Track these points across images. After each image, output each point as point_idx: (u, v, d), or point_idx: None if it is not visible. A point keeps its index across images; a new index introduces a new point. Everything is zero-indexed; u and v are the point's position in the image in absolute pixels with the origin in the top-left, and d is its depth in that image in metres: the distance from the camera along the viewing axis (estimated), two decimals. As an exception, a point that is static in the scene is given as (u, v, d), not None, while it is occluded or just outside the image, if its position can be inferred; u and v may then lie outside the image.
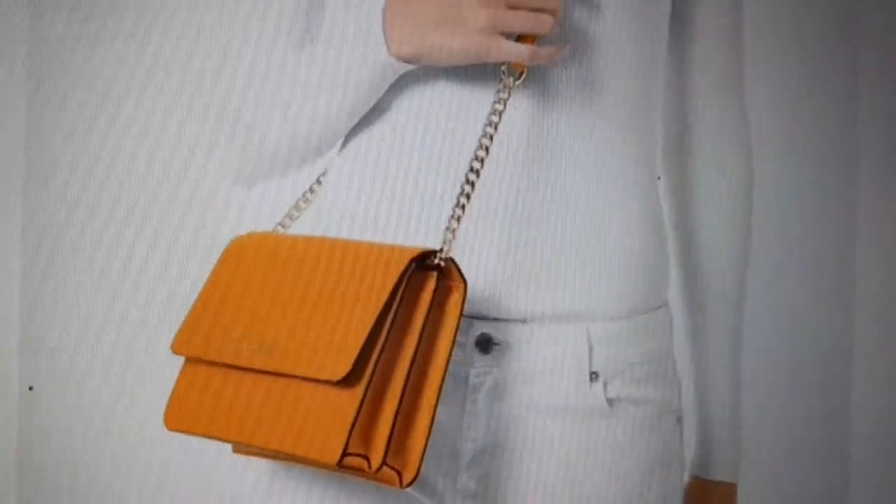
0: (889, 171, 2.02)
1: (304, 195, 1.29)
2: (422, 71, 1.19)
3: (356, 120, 1.22)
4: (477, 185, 1.15)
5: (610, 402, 1.21)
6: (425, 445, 1.09)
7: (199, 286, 1.18)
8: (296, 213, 1.29)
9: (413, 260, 1.10)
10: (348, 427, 1.06)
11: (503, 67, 1.16)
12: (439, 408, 1.10)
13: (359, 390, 1.07)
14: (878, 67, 2.02)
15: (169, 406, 1.17)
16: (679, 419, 1.28)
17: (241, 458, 1.22)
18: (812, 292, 2.05)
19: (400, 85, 1.21)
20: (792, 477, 2.05)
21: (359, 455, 1.08)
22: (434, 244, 1.15)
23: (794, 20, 2.02)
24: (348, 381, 1.07)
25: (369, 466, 1.08)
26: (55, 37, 2.13)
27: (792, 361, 2.04)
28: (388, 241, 1.18)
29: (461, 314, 1.11)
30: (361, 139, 1.23)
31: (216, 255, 1.20)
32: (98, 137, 2.14)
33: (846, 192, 2.04)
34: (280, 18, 1.23)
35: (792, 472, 2.05)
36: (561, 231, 1.19)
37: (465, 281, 1.11)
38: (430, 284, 1.11)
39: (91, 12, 2.13)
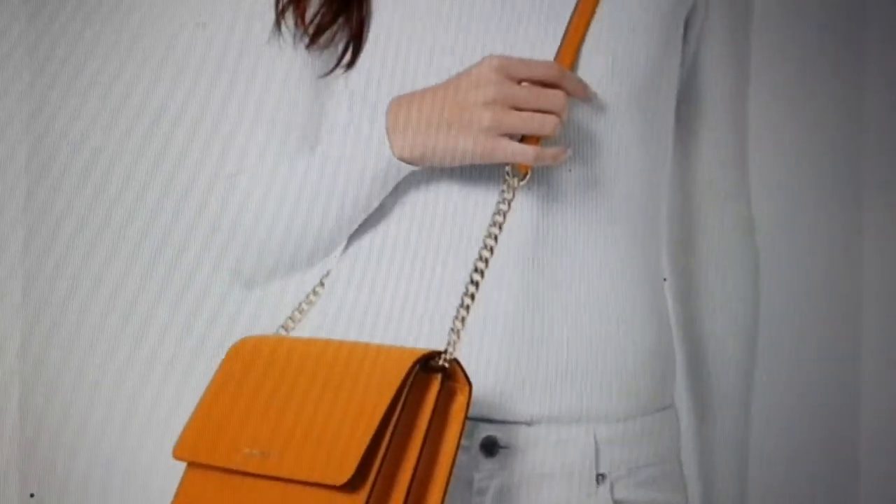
0: (893, 178, 2.01)
1: (307, 297, 1.29)
2: (426, 172, 1.20)
3: (360, 221, 1.22)
4: (481, 286, 1.14)
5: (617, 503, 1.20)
6: (430, 551, 1.08)
7: (202, 387, 1.18)
8: (299, 315, 1.29)
9: (417, 362, 1.10)
10: (351, 533, 1.06)
11: (507, 168, 1.17)
12: (444, 512, 1.09)
13: (362, 495, 1.06)
14: (883, 78, 2.01)
15: (171, 513, 1.16)
16: (687, 520, 1.27)
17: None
18: (818, 299, 2.03)
19: (404, 186, 1.21)
20: (800, 482, 2.02)
21: (362, 561, 1.07)
22: (439, 345, 1.14)
23: (797, 24, 2.02)
24: (351, 485, 1.06)
25: (373, 573, 1.07)
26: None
27: (799, 366, 2.02)
28: (393, 341, 1.18)
29: (466, 417, 1.10)
30: (365, 240, 1.23)
31: (219, 358, 1.19)
32: (101, 241, 2.15)
33: (850, 199, 2.03)
34: (282, 124, 1.24)
35: (800, 476, 2.02)
36: (566, 332, 1.19)
37: (469, 383, 1.11)
38: (435, 386, 1.10)
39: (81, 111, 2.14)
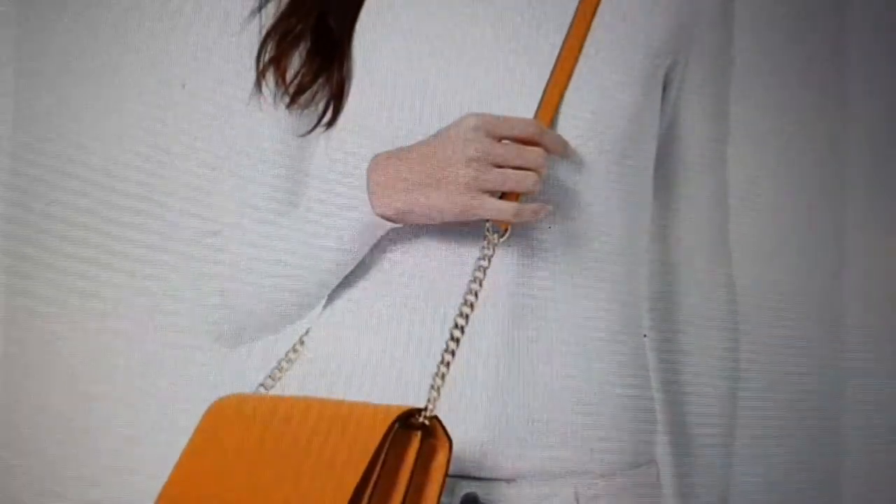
0: (875, 188, 2.01)
1: (286, 355, 1.29)
2: (406, 229, 1.20)
3: (340, 279, 1.22)
4: (462, 342, 1.14)
5: (600, 560, 1.19)
6: None
7: (178, 449, 1.17)
8: (278, 373, 1.28)
9: (396, 419, 1.09)
10: None
11: (487, 224, 1.17)
12: (425, 571, 1.09)
13: (343, 555, 1.05)
14: (866, 90, 2.02)
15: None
16: (671, 576, 1.27)
17: None
18: (799, 312, 2.02)
19: (384, 243, 1.21)
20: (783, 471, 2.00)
21: None
22: (419, 401, 1.14)
23: (781, 20, 2.02)
24: (331, 545, 1.06)
25: None
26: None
27: (781, 374, 2.01)
28: (373, 398, 1.17)
29: (446, 474, 1.10)
30: (345, 297, 1.23)
31: (195, 420, 1.19)
32: (86, 298, 2.14)
33: (835, 205, 2.03)
34: (264, 183, 1.25)
35: (783, 466, 2.00)
36: (546, 389, 1.19)
37: (450, 440, 1.10)
38: (415, 444, 1.09)
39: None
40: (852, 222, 2.02)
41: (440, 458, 1.10)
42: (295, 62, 1.24)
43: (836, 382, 2.03)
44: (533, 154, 1.16)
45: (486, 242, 1.17)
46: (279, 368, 1.29)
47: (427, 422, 1.10)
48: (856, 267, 2.02)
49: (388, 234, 1.20)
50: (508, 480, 1.18)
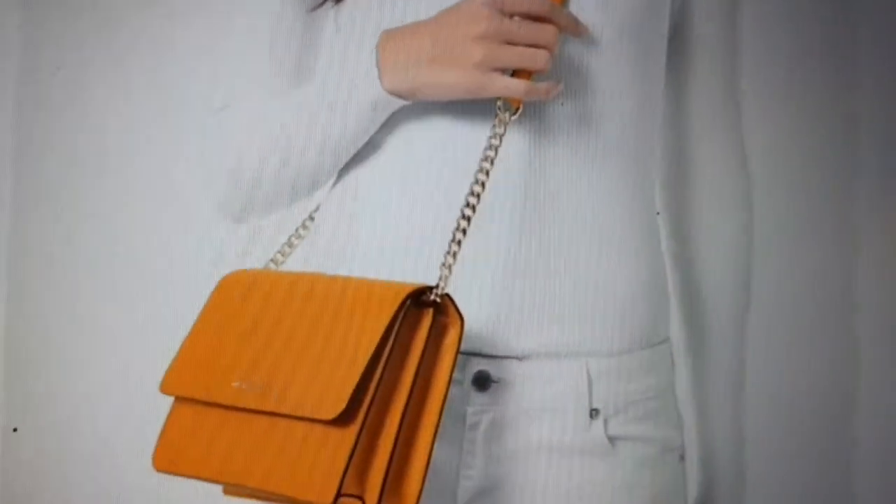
0: (887, 178, 2.01)
1: (296, 231, 1.28)
2: (417, 107, 1.18)
3: (350, 156, 1.21)
4: (473, 221, 1.13)
5: (611, 439, 1.19)
6: (422, 485, 1.07)
7: (189, 324, 1.17)
8: (288, 250, 1.28)
9: (408, 296, 1.09)
10: (343, 467, 1.04)
11: (499, 103, 1.15)
12: (436, 447, 1.08)
13: (353, 429, 1.05)
14: (877, 80, 2.01)
15: (158, 447, 1.15)
16: (681, 457, 1.26)
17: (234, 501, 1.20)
18: (813, 301, 2.03)
19: (394, 121, 1.20)
20: (796, 482, 2.02)
21: (353, 496, 1.06)
22: (430, 280, 1.13)
23: (791, 26, 2.01)
24: (342, 420, 1.05)
25: (364, 507, 1.06)
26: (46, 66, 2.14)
27: (794, 369, 2.02)
28: (383, 276, 1.17)
29: (458, 351, 1.09)
30: (354, 174, 1.22)
31: (206, 293, 1.18)
32: (88, 175, 2.14)
33: (845, 199, 2.03)
34: (275, 58, 1.23)
35: (796, 477, 2.02)
36: (559, 266, 1.18)
37: (461, 317, 1.10)
38: (426, 321, 1.09)
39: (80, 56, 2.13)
40: (864, 215, 2.02)
41: (452, 335, 1.10)
42: None
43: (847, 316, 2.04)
44: (544, 31, 1.14)
45: (497, 121, 1.15)
46: (289, 245, 1.28)
47: (439, 299, 1.10)
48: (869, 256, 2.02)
49: (397, 112, 1.19)
50: (520, 358, 1.18)
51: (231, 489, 1.17)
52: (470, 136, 1.18)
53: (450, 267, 1.11)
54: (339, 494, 1.04)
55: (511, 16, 1.14)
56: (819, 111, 2.02)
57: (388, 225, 1.19)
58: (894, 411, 2.01)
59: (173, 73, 2.06)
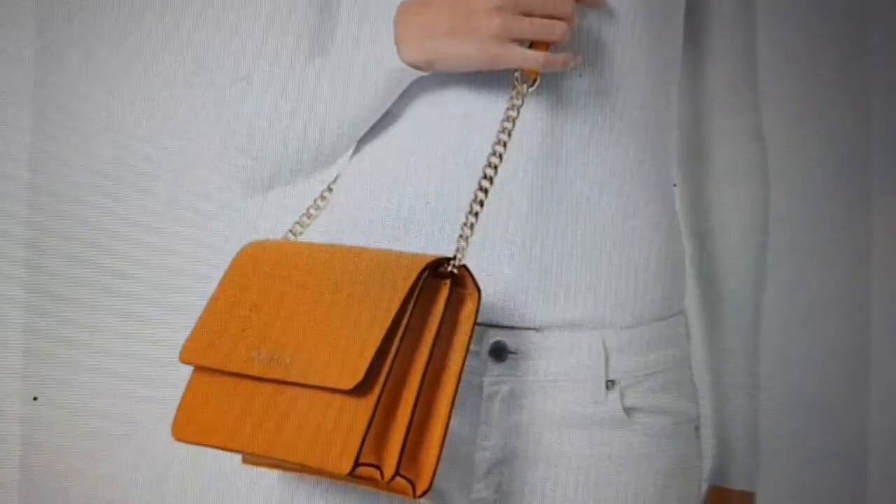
0: None
1: (315, 202, 1.28)
2: (434, 78, 1.18)
3: (368, 127, 1.21)
4: (490, 193, 1.13)
5: (627, 411, 1.19)
6: (439, 455, 1.07)
7: (208, 295, 1.17)
8: (307, 220, 1.28)
9: (426, 268, 1.09)
10: (360, 436, 1.05)
11: (517, 74, 1.15)
12: (453, 417, 1.09)
13: (371, 399, 1.06)
14: (891, 72, 2.00)
15: (177, 416, 1.15)
16: (697, 428, 1.26)
17: (252, 470, 1.21)
18: (827, 296, 2.04)
19: (412, 92, 1.20)
20: (809, 482, 2.03)
21: (371, 465, 1.07)
22: (447, 251, 1.13)
23: (806, 24, 2.01)
24: (360, 389, 1.06)
25: (382, 477, 1.06)
26: (61, 37, 2.14)
27: (808, 364, 2.03)
28: (401, 247, 1.17)
29: (475, 322, 1.09)
30: (373, 146, 1.22)
31: (226, 264, 1.18)
32: (104, 143, 2.14)
33: (860, 195, 2.03)
34: (293, 30, 1.23)
35: (809, 477, 2.03)
36: (575, 239, 1.18)
37: (479, 289, 1.10)
38: (444, 292, 1.09)
39: (96, 21, 2.13)
40: (880, 222, 2.02)
41: (469, 306, 1.10)
42: None
43: (864, 247, 2.04)
44: (562, 2, 1.14)
45: (514, 93, 1.15)
46: (307, 215, 1.28)
47: (456, 270, 1.10)
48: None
49: (415, 83, 1.19)
50: (537, 329, 1.18)
51: (250, 458, 1.17)
52: (487, 108, 1.18)
53: (467, 238, 1.11)
54: (356, 464, 1.05)
55: None
56: (836, 93, 2.01)
57: (405, 196, 1.19)
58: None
59: (191, 44, 2.06)
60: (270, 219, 1.33)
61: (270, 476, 1.22)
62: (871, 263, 2.04)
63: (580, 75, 1.18)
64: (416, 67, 1.16)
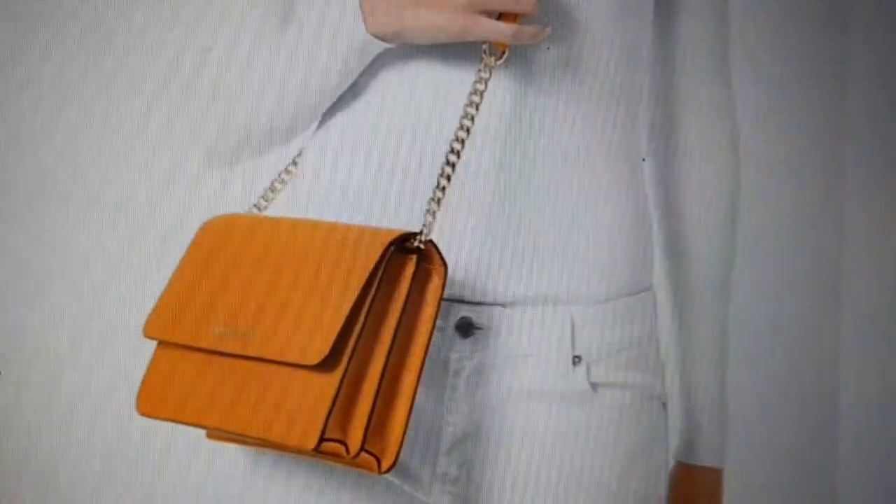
0: (874, 177, 2.01)
1: (279, 175, 1.27)
2: (401, 50, 1.17)
3: (333, 99, 1.20)
4: (457, 167, 1.12)
5: (593, 386, 1.19)
6: (404, 431, 1.07)
7: (171, 270, 1.16)
8: (271, 194, 1.27)
9: (392, 242, 1.08)
10: (326, 412, 1.04)
11: (485, 47, 1.14)
12: (419, 393, 1.08)
13: (336, 375, 1.05)
14: (865, 74, 2.01)
15: (141, 390, 1.14)
16: (664, 404, 1.26)
17: (217, 445, 1.20)
18: (798, 296, 2.04)
19: (378, 64, 1.18)
20: (778, 458, 2.04)
21: (336, 441, 1.06)
22: (413, 226, 1.13)
23: (781, 22, 2.01)
24: (325, 365, 1.05)
25: (347, 452, 1.06)
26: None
27: (778, 364, 2.04)
28: (367, 222, 1.16)
29: (441, 298, 1.09)
30: (338, 119, 1.21)
31: (189, 238, 1.17)
32: (69, 122, 2.12)
33: (831, 197, 2.04)
34: (259, 3, 1.21)
35: (777, 426, 2.04)
36: (542, 214, 1.17)
37: (445, 264, 1.09)
38: (410, 267, 1.08)
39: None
40: (852, 213, 2.02)
41: (435, 281, 1.09)
42: None
43: (834, 248, 2.04)
44: None
45: (482, 65, 1.14)
46: (272, 189, 1.27)
47: (422, 245, 1.09)
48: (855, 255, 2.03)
49: (382, 55, 1.18)
50: (503, 305, 1.17)
51: (214, 434, 1.16)
52: (454, 80, 1.17)
53: (433, 213, 1.10)
54: (321, 439, 1.04)
55: None
56: (810, 83, 2.01)
57: (370, 170, 1.18)
58: (877, 358, 2.02)
59: (156, 18, 2.04)
60: (235, 192, 1.32)
61: (232, 449, 1.22)
62: (843, 242, 2.05)
63: (548, 47, 1.17)
64: (383, 39, 1.14)
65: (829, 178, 2.03)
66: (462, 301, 1.17)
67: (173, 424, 1.12)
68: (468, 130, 1.12)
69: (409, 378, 1.07)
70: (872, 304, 2.02)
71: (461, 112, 1.13)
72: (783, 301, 2.04)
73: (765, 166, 1.97)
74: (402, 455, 1.08)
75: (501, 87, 1.17)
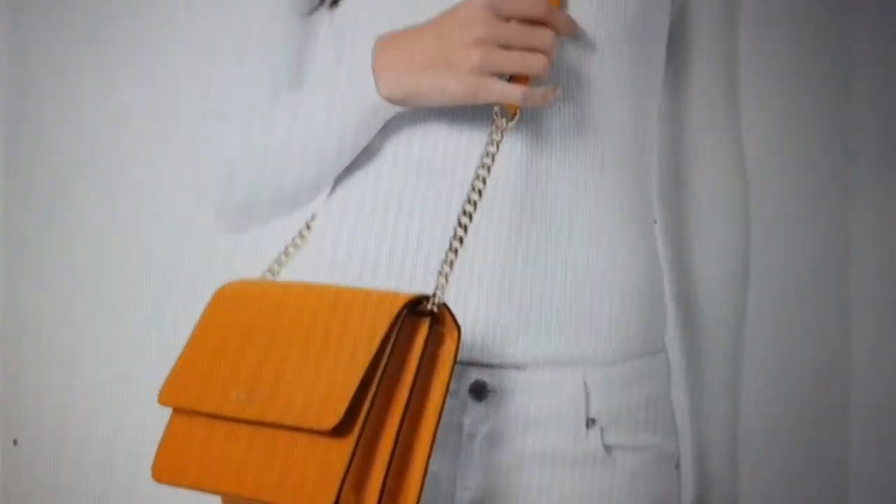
0: (881, 178, 2.01)
1: (293, 240, 1.27)
2: (413, 113, 1.18)
3: (346, 163, 1.20)
4: (470, 229, 1.13)
5: (607, 448, 1.19)
6: (419, 496, 1.06)
7: (186, 335, 1.16)
8: (285, 259, 1.27)
9: (405, 306, 1.08)
10: (340, 478, 1.04)
11: (496, 109, 1.15)
12: (433, 457, 1.08)
13: (350, 440, 1.05)
14: (870, 76, 2.01)
15: (157, 458, 1.14)
16: (677, 465, 1.26)
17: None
18: (807, 299, 2.04)
19: (390, 128, 1.19)
20: (790, 482, 2.03)
21: (351, 506, 1.06)
22: (426, 289, 1.13)
23: (787, 25, 2.01)
24: (339, 430, 1.05)
25: (362, 517, 1.06)
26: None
27: (789, 369, 2.03)
28: (380, 285, 1.16)
29: (455, 361, 1.09)
30: (351, 182, 1.21)
31: (203, 303, 1.17)
32: (80, 185, 2.13)
33: (839, 197, 2.03)
34: (269, 62, 1.21)
35: (790, 478, 2.03)
36: (555, 276, 1.17)
37: (458, 327, 1.09)
38: (423, 331, 1.08)
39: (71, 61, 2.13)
40: (859, 214, 2.02)
41: (449, 345, 1.09)
42: None
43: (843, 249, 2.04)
44: (542, 35, 1.13)
45: (494, 127, 1.15)
46: (285, 254, 1.27)
47: (435, 309, 1.09)
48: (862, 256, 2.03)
49: (394, 119, 1.18)
50: (517, 367, 1.17)
51: (230, 499, 1.16)
52: (467, 143, 1.17)
53: (446, 276, 1.10)
54: (336, 505, 1.04)
55: (508, 19, 1.13)
56: (816, 109, 2.02)
57: (384, 233, 1.18)
58: (888, 420, 2.01)
59: (166, 77, 2.05)
60: (247, 258, 1.32)
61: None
62: (852, 275, 2.04)
63: (559, 109, 1.18)
64: (395, 102, 1.15)
65: (834, 178, 2.03)
66: (476, 364, 1.16)
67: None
68: (480, 193, 1.13)
69: (423, 442, 1.07)
70: (882, 307, 2.01)
71: (473, 175, 1.13)
72: (790, 304, 2.03)
73: (772, 175, 1.97)
74: (416, 520, 1.08)
75: (514, 149, 1.17)
